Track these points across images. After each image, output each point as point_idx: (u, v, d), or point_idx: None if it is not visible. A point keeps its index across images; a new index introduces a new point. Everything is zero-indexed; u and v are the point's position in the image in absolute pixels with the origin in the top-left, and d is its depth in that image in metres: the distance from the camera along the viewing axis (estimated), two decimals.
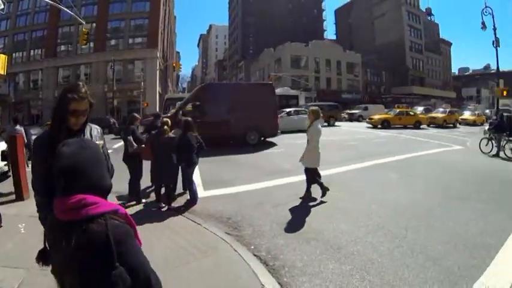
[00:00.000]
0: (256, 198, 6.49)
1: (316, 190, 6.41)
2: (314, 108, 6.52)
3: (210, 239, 4.43)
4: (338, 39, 76.72)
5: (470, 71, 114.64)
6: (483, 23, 20.14)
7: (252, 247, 4.31)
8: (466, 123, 31.42)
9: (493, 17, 20.05)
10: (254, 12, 73.86)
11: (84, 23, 17.65)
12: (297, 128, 18.83)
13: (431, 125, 27.27)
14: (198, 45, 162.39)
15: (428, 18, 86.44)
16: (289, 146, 13.89)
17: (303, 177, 6.57)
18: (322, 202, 6.18)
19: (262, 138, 14.84)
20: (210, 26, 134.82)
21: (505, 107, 31.71)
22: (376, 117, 26.04)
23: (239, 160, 11.10)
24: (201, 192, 6.64)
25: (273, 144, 14.76)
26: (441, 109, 32.38)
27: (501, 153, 13.12)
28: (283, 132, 17.09)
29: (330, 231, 4.78)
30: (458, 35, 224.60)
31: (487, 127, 14.44)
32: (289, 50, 54.14)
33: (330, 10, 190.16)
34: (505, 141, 13.34)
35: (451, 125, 28.29)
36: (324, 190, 6.26)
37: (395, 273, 3.57)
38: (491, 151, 13.50)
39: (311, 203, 6.15)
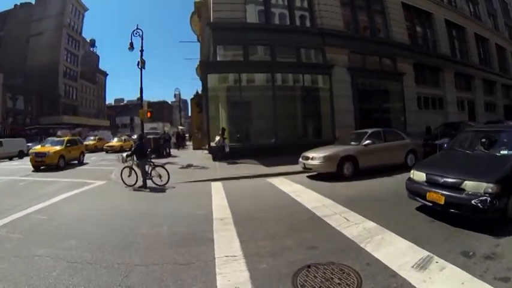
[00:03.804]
0: None
1: None
2: None
3: None
4: None
5: (126, 102, 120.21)
6: (131, 44, 18.70)
7: None
8: (114, 150, 28.56)
9: (142, 39, 19.00)
10: None
11: None
12: None
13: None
14: None
15: (91, 49, 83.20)
16: None
17: None
18: None
19: None
20: None
21: (153, 130, 31.26)
22: None
23: None
24: None
25: None
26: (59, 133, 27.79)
27: (149, 182, 9.99)
28: None
29: None
30: (118, 69, 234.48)
31: (124, 154, 10.83)
32: None
33: None
34: (150, 168, 10.21)
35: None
36: None
37: None
38: (136, 182, 10.06)
39: None
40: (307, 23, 19.78)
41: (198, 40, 30.74)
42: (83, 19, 69.97)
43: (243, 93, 17.74)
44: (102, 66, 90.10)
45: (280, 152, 15.66)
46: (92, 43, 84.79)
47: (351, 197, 7.65)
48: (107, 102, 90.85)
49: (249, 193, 8.76)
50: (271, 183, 10.03)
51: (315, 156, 10.26)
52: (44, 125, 48.99)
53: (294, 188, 9.09)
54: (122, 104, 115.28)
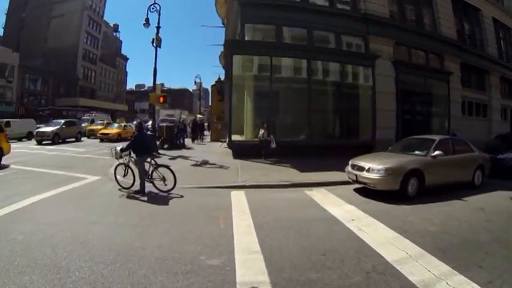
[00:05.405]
0: None
1: None
2: None
3: None
4: (5, 34, 55.94)
5: (146, 88, 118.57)
6: (147, 20, 16.14)
7: None
8: (109, 139, 23.51)
9: (159, 15, 16.24)
10: None
11: None
12: None
13: None
14: None
15: (115, 34, 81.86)
16: None
17: None
18: None
19: None
20: None
21: (169, 118, 28.19)
22: None
23: None
24: None
25: None
26: None
27: (149, 186, 7.35)
28: None
29: None
30: (142, 55, 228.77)
31: (119, 147, 8.01)
32: None
33: None
34: (152, 167, 7.54)
35: None
36: None
37: None
38: (133, 183, 7.41)
39: None
40: (349, 8, 16.53)
41: (223, 23, 27.81)
42: (105, 2, 67.50)
43: (273, 82, 14.64)
44: (125, 51, 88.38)
45: (311, 152, 13.11)
46: (116, 28, 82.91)
47: (437, 238, 4.87)
48: (128, 88, 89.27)
49: (287, 220, 5.70)
50: (312, 200, 7.21)
51: (373, 168, 7.34)
52: (58, 106, 46.91)
53: (346, 211, 6.25)
54: (142, 89, 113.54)
